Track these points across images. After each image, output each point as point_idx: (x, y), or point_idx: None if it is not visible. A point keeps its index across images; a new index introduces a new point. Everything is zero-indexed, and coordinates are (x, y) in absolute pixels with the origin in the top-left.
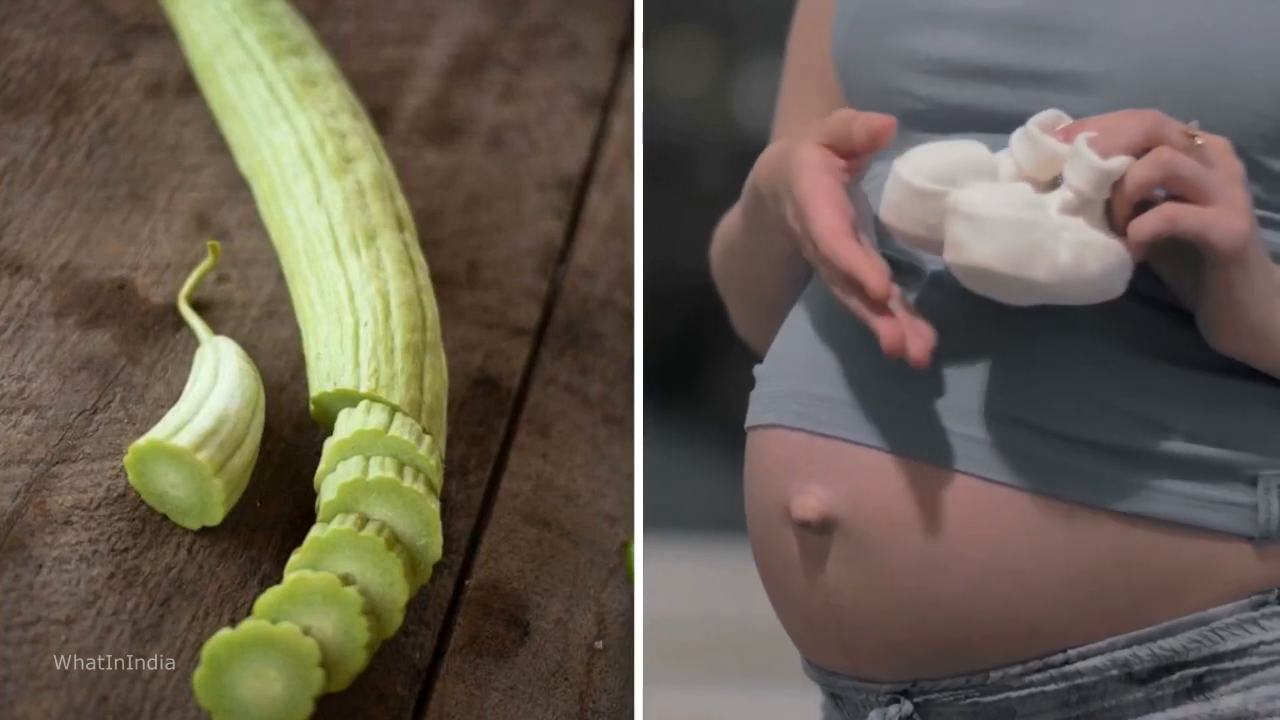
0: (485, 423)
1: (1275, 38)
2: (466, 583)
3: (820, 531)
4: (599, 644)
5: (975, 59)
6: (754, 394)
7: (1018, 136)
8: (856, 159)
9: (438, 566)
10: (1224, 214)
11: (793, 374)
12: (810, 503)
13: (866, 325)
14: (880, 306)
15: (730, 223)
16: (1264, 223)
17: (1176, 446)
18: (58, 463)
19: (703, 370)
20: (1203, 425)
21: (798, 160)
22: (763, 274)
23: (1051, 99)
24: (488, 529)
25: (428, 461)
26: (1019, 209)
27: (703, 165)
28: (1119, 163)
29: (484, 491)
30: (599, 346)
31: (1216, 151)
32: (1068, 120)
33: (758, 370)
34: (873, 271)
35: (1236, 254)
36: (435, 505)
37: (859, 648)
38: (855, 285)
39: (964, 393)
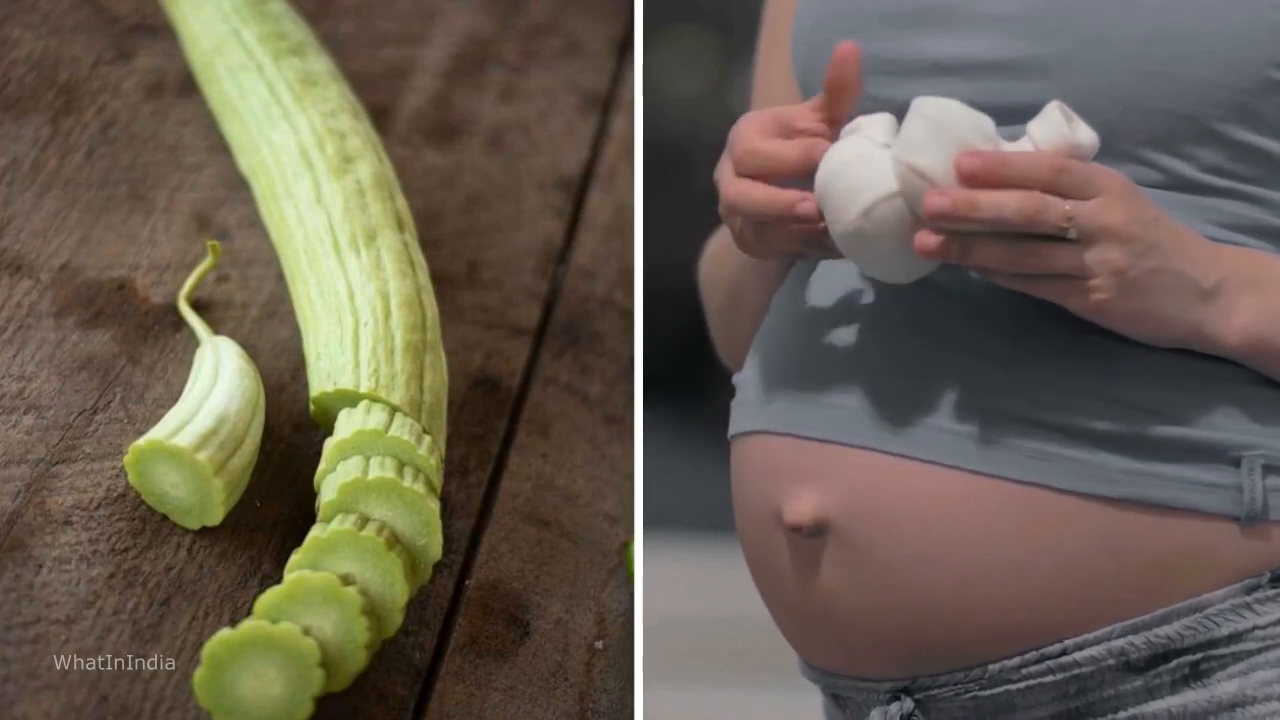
0: (485, 423)
1: (1218, 6)
2: (466, 583)
3: (813, 535)
4: (599, 644)
5: (930, 56)
6: (735, 402)
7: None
8: (838, 111)
9: (438, 566)
10: (1083, 287)
11: (774, 380)
12: (802, 507)
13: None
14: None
15: (719, 247)
16: (1226, 193)
17: (1160, 430)
18: (58, 463)
19: (703, 370)
20: (1184, 407)
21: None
22: (754, 292)
23: (1009, 88)
24: (488, 529)
25: (428, 461)
26: (978, 137)
27: (703, 165)
28: (1087, 137)
29: (484, 491)
30: (599, 346)
31: (1098, 211)
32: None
33: (737, 379)
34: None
35: (1097, 314)
36: (435, 505)
37: (857, 648)
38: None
39: (948, 388)
